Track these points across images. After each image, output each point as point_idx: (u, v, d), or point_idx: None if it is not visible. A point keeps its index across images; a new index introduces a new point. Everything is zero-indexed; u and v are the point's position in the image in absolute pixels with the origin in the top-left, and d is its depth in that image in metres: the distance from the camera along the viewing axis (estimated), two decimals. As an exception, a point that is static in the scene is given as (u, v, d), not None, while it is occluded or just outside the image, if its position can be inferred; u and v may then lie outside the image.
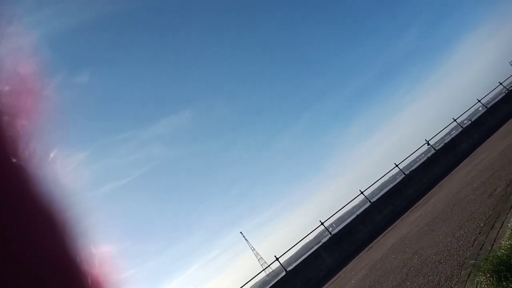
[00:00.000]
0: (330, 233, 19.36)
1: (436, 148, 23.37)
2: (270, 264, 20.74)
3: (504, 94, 25.50)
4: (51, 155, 1.46)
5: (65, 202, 1.44)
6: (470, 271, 5.11)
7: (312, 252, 18.42)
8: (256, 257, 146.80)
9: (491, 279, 4.14)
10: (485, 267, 4.35)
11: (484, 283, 4.26)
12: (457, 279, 5.39)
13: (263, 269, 20.76)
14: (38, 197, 1.30)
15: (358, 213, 20.70)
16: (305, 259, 18.10)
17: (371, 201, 20.69)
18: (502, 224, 6.32)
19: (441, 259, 6.71)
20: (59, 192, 1.42)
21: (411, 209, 17.34)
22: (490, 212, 7.36)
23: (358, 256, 15.77)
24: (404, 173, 21.96)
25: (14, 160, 1.29)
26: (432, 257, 7.18)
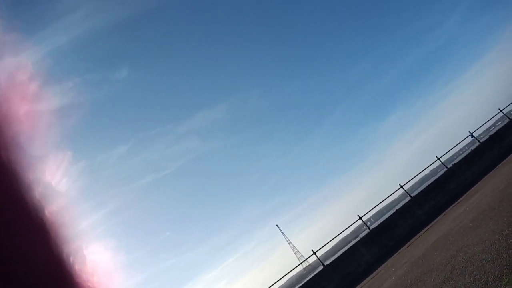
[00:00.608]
0: (369, 228, 19.05)
1: (481, 141, 22.36)
2: (307, 258, 20.68)
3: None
4: (47, 158, 1.52)
5: (59, 205, 1.49)
6: (522, 272, 4.89)
7: (350, 247, 18.19)
8: (293, 250, 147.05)
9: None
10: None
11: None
12: (507, 279, 5.16)
13: (300, 263, 20.71)
14: (29, 200, 1.35)
15: (397, 207, 20.23)
16: (343, 253, 17.92)
17: (411, 195, 20.14)
18: (556, 222, 6.00)
19: (488, 258, 6.44)
20: (53, 195, 1.47)
21: (454, 204, 16.73)
22: (542, 209, 7.00)
23: (398, 252, 15.43)
24: (447, 167, 21.18)
25: (6, 163, 1.35)
26: (479, 255, 6.91)
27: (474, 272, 6.25)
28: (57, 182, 1.53)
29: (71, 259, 1.40)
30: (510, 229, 7.08)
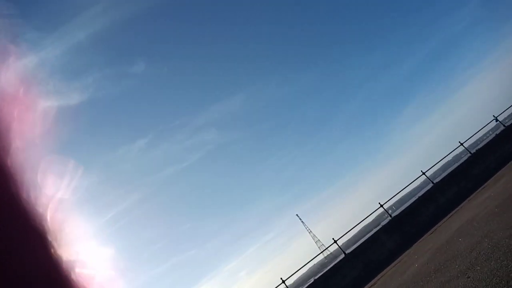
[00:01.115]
0: (391, 216, 18.84)
1: (506, 125, 21.72)
2: (328, 247, 20.68)
3: None
4: (43, 163, 1.51)
5: (54, 209, 1.49)
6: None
7: (372, 235, 18.04)
8: (314, 239, 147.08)
9: None
10: None
11: None
12: (534, 264, 5.02)
13: (321, 252, 20.73)
14: (29, 206, 1.34)
15: (419, 194, 19.92)
16: (364, 241, 17.80)
17: (434, 182, 19.78)
18: None
19: (515, 243, 6.28)
20: (48, 200, 1.47)
21: (478, 190, 16.36)
22: None
23: (421, 239, 15.22)
24: (470, 152, 20.68)
25: (6, 167, 1.34)
26: (505, 241, 6.74)
27: (501, 258, 6.11)
28: (59, 188, 1.54)
29: (71, 265, 1.41)
30: (538, 214, 6.88)
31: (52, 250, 1.36)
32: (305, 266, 18.01)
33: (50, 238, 1.37)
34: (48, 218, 1.39)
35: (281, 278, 16.47)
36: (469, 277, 6.42)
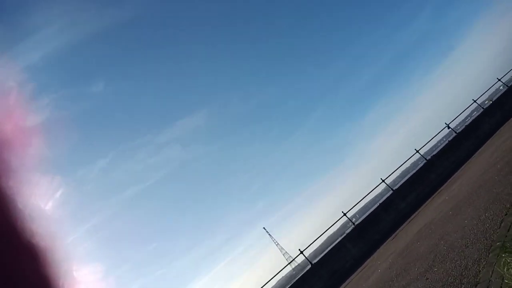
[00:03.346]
0: (354, 224, 19.23)
1: (457, 131, 22.87)
2: (295, 258, 20.76)
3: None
4: (35, 180, 1.52)
5: (48, 228, 1.49)
6: (498, 253, 5.03)
7: (337, 244, 18.32)
8: (281, 251, 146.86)
9: (518, 259, 4.07)
10: (511, 248, 4.28)
11: (511, 263, 4.19)
12: (485, 262, 5.31)
13: (288, 263, 20.79)
14: (18, 223, 1.35)
15: (381, 201, 20.48)
16: (329, 251, 18.03)
17: (394, 188, 20.44)
18: (529, 204, 6.19)
19: (467, 243, 6.61)
20: (41, 218, 1.47)
21: (434, 194, 17.06)
22: (516, 193, 7.21)
23: (383, 245, 15.63)
24: (426, 159, 21.57)
25: None
26: (459, 242, 7.08)
27: (455, 258, 6.41)
28: (45, 205, 1.52)
29: (61, 282, 1.40)
30: (486, 214, 7.28)
31: (41, 267, 1.35)
32: (273, 279, 17.98)
33: (39, 255, 1.36)
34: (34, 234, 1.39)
35: (249, 292, 16.34)
36: (427, 278, 6.68)
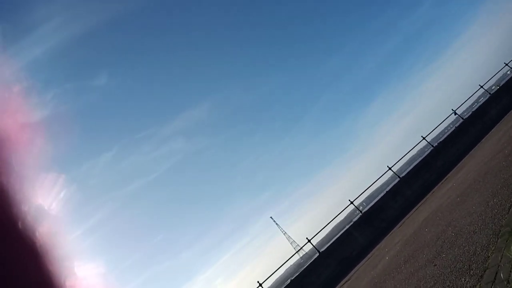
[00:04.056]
0: (361, 212, 19.27)
1: (464, 117, 22.70)
2: (303, 247, 20.87)
3: (533, 55, 24.37)
4: (38, 178, 1.52)
5: (50, 226, 1.50)
6: (507, 238, 5.01)
7: (344, 232, 18.39)
8: (288, 240, 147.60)
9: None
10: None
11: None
12: (493, 247, 5.29)
13: (296, 252, 20.92)
14: (21, 222, 1.35)
15: (387, 189, 20.46)
16: (337, 239, 18.10)
17: (400, 176, 20.40)
18: (538, 189, 6.15)
19: (475, 229, 6.59)
20: (44, 217, 1.48)
21: (442, 181, 17.01)
22: (524, 178, 7.16)
23: (390, 233, 15.66)
24: (432, 146, 21.48)
25: None
26: (467, 228, 7.06)
27: (463, 244, 6.40)
28: (49, 203, 1.53)
29: (63, 279, 1.41)
30: (494, 200, 7.25)
31: (43, 265, 1.36)
32: (281, 268, 18.13)
33: (41, 252, 1.37)
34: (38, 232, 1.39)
35: (258, 281, 16.50)
36: (435, 265, 6.68)
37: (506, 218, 6.00)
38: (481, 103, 23.85)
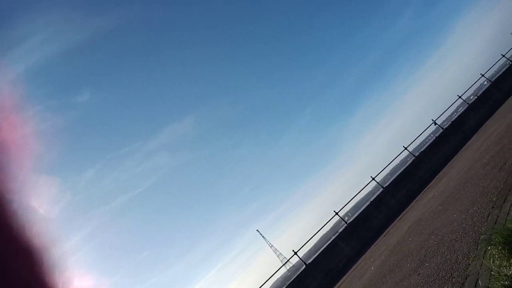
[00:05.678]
0: (346, 222, 19.39)
1: (444, 127, 23.22)
2: (289, 259, 20.83)
3: (508, 66, 25.17)
4: (30, 181, 1.55)
5: (42, 229, 1.52)
6: (485, 246, 5.16)
7: (330, 243, 18.45)
8: (275, 253, 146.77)
9: (503, 251, 4.19)
10: (496, 240, 4.40)
11: (496, 256, 4.32)
12: (473, 255, 5.43)
13: (283, 265, 20.87)
14: (15, 226, 1.38)
15: (371, 199, 20.67)
16: (323, 250, 18.14)
17: (384, 186, 20.66)
18: (514, 197, 6.35)
19: (457, 237, 6.75)
20: (39, 221, 1.51)
21: (424, 191, 17.31)
22: (502, 186, 7.37)
23: (375, 243, 15.79)
24: (414, 155, 21.88)
25: None
26: (448, 236, 7.22)
27: (445, 252, 6.54)
28: (44, 208, 1.55)
29: (57, 285, 1.43)
30: (474, 208, 7.44)
31: (39, 272, 1.38)
32: (268, 281, 18.01)
33: (36, 259, 1.39)
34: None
35: (245, 296, 16.35)
36: (419, 274, 6.80)
37: (485, 225, 6.17)
38: (460, 112, 24.47)
